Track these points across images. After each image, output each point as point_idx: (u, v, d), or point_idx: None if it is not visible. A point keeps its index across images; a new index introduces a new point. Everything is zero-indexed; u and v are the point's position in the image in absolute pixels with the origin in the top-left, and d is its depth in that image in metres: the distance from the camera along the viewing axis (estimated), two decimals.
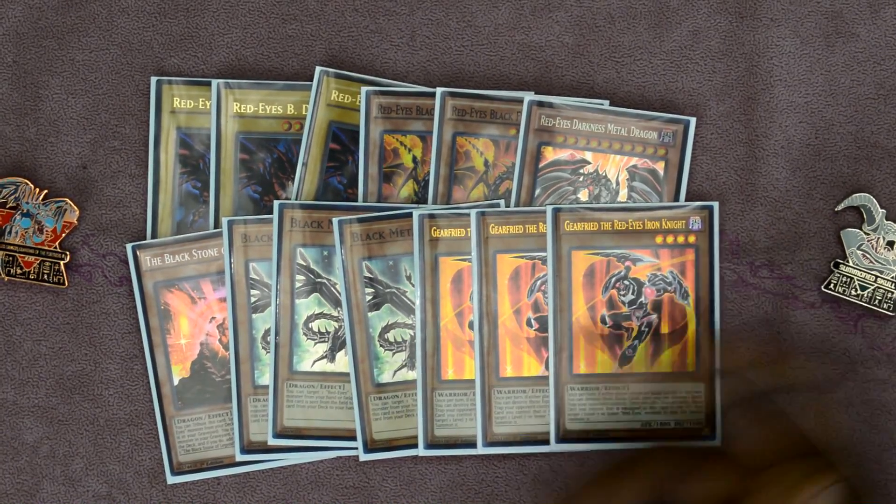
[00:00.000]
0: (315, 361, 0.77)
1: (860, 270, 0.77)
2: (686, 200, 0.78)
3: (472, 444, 0.77)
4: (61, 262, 0.77)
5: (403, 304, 0.77)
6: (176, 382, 0.77)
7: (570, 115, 0.77)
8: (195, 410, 0.77)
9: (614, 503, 0.69)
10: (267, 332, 0.77)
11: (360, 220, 0.76)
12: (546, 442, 0.77)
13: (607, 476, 0.70)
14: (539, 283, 0.77)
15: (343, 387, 0.77)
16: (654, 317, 0.77)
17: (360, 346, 0.77)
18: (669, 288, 0.77)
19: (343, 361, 0.77)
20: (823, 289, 0.77)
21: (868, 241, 0.77)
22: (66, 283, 0.77)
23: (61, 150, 0.78)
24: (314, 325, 0.77)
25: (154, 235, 0.78)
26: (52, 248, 0.77)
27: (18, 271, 0.77)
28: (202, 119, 0.78)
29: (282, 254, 0.77)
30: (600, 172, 0.78)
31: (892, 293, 0.77)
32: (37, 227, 0.77)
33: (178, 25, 0.78)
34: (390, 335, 0.77)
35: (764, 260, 0.78)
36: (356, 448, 0.77)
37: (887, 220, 0.77)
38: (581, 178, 0.78)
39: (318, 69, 0.77)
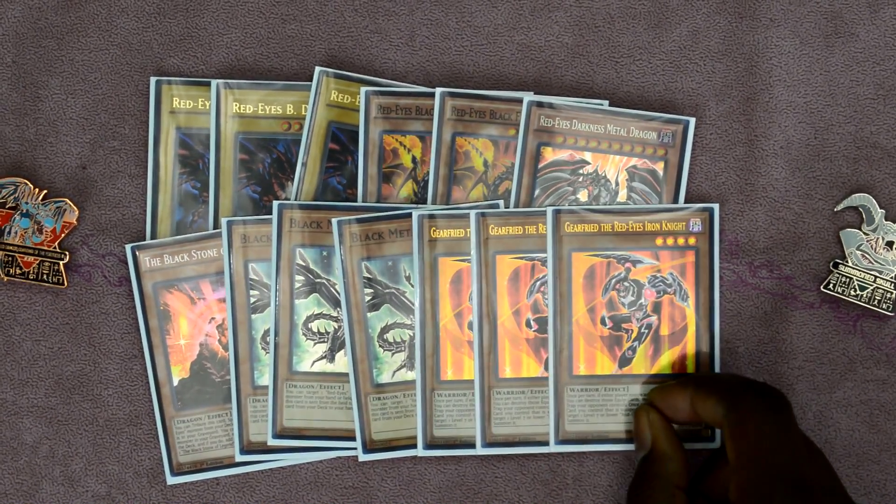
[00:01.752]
0: (314, 362, 0.77)
1: (859, 270, 0.77)
2: (685, 201, 0.78)
3: (472, 445, 0.77)
4: (60, 263, 0.77)
5: (403, 304, 0.77)
6: (175, 383, 0.77)
7: (570, 115, 0.77)
8: (195, 411, 0.77)
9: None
10: (266, 332, 0.77)
11: (360, 221, 0.76)
12: (545, 443, 0.77)
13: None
14: (538, 284, 0.77)
15: (342, 387, 0.77)
16: (654, 318, 0.77)
17: (359, 347, 0.77)
18: (669, 289, 0.77)
19: (342, 362, 0.77)
20: (822, 289, 0.77)
21: (867, 241, 0.77)
22: (66, 284, 0.77)
23: (61, 151, 0.78)
24: (313, 326, 0.77)
25: (153, 236, 0.78)
26: (51, 249, 0.77)
27: (18, 271, 0.77)
28: (202, 119, 0.78)
29: (281, 254, 0.77)
30: (600, 173, 0.78)
31: (892, 293, 0.77)
32: (36, 227, 0.77)
33: (178, 25, 0.78)
34: (389, 335, 0.77)
35: (763, 260, 0.78)
36: (355, 448, 0.77)
37: (886, 220, 0.77)
38: (580, 179, 0.78)
39: (317, 69, 0.77)
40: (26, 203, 0.77)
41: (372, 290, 0.77)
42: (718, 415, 0.68)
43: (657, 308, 0.77)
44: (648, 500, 0.69)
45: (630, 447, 0.77)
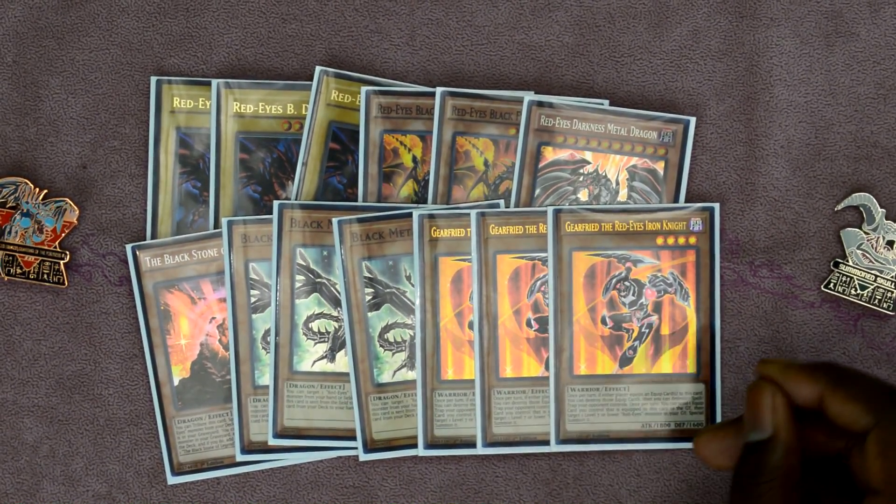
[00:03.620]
0: (315, 361, 0.77)
1: (860, 270, 0.77)
2: (686, 200, 0.78)
3: (472, 445, 0.77)
4: (61, 262, 0.77)
5: (403, 304, 0.77)
6: (176, 383, 0.77)
7: (570, 114, 0.77)
8: (195, 411, 0.77)
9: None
10: (267, 332, 0.77)
11: (360, 221, 0.77)
12: (546, 442, 0.77)
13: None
14: (539, 283, 0.77)
15: (343, 387, 0.77)
16: (654, 318, 0.77)
17: (359, 346, 0.77)
18: (670, 289, 0.77)
19: (343, 361, 0.77)
20: (823, 288, 0.77)
21: (868, 240, 0.77)
22: (66, 283, 0.77)
23: (61, 150, 0.78)
24: (314, 326, 0.77)
25: (154, 235, 0.78)
26: (51, 248, 0.77)
27: (18, 271, 0.77)
28: (202, 119, 0.78)
29: (281, 254, 0.77)
30: (600, 172, 0.78)
31: (892, 293, 0.77)
32: (36, 226, 0.77)
33: (178, 25, 0.78)
34: (390, 335, 0.77)
35: (764, 259, 0.78)
36: (356, 448, 0.77)
37: (887, 219, 0.77)
38: (581, 178, 0.78)
39: (317, 69, 0.77)
40: (27, 203, 0.77)
41: (372, 290, 0.77)
42: (861, 424, 0.62)
43: (658, 307, 0.77)
44: (768, 495, 0.63)
45: (630, 447, 0.77)
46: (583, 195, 0.77)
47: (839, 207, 0.78)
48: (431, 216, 0.77)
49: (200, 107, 0.78)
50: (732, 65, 0.78)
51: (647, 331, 0.77)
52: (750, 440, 0.65)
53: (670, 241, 0.77)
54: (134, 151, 0.78)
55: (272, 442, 0.77)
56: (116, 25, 0.78)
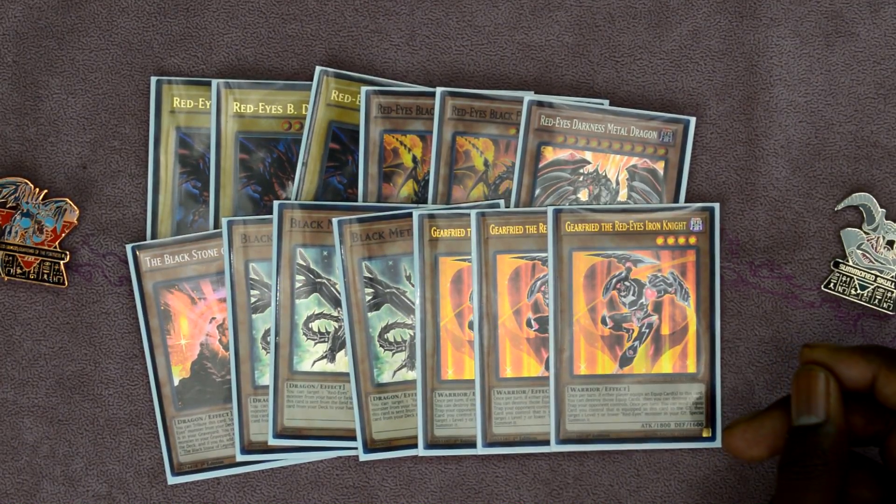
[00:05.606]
0: (315, 361, 0.77)
1: (860, 270, 0.77)
2: (686, 200, 0.78)
3: (472, 445, 0.77)
4: (61, 262, 0.77)
5: (403, 304, 0.77)
6: (176, 383, 0.77)
7: (570, 114, 0.77)
8: (195, 411, 0.77)
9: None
10: (267, 332, 0.77)
11: (360, 221, 0.77)
12: (546, 442, 0.77)
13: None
14: (539, 283, 0.77)
15: (343, 387, 0.77)
16: (654, 318, 0.77)
17: (359, 347, 0.77)
18: (670, 289, 0.77)
19: (343, 361, 0.77)
20: (823, 288, 0.77)
21: (868, 240, 0.77)
22: (66, 283, 0.77)
23: (61, 150, 0.78)
24: (314, 326, 0.77)
25: (154, 235, 0.78)
26: (51, 248, 0.77)
27: (18, 271, 0.77)
28: (202, 119, 0.78)
29: (281, 254, 0.77)
30: (600, 172, 0.78)
31: (892, 293, 0.77)
32: (37, 226, 0.77)
33: (178, 25, 0.78)
34: (390, 335, 0.77)
35: (764, 259, 0.78)
36: (356, 448, 0.77)
37: (887, 219, 0.77)
38: (581, 178, 0.78)
39: (317, 69, 0.77)
40: (27, 203, 0.77)
41: (372, 290, 0.77)
42: None
43: (658, 307, 0.77)
44: (822, 479, 0.63)
45: (630, 447, 0.77)
46: (583, 195, 0.77)
47: (839, 207, 0.78)
48: (431, 216, 0.77)
49: (200, 107, 0.78)
50: (732, 65, 0.78)
51: (647, 331, 0.77)
52: (800, 424, 0.65)
53: (670, 241, 0.77)
54: (134, 151, 0.78)
55: (272, 442, 0.77)
56: (116, 25, 0.78)
